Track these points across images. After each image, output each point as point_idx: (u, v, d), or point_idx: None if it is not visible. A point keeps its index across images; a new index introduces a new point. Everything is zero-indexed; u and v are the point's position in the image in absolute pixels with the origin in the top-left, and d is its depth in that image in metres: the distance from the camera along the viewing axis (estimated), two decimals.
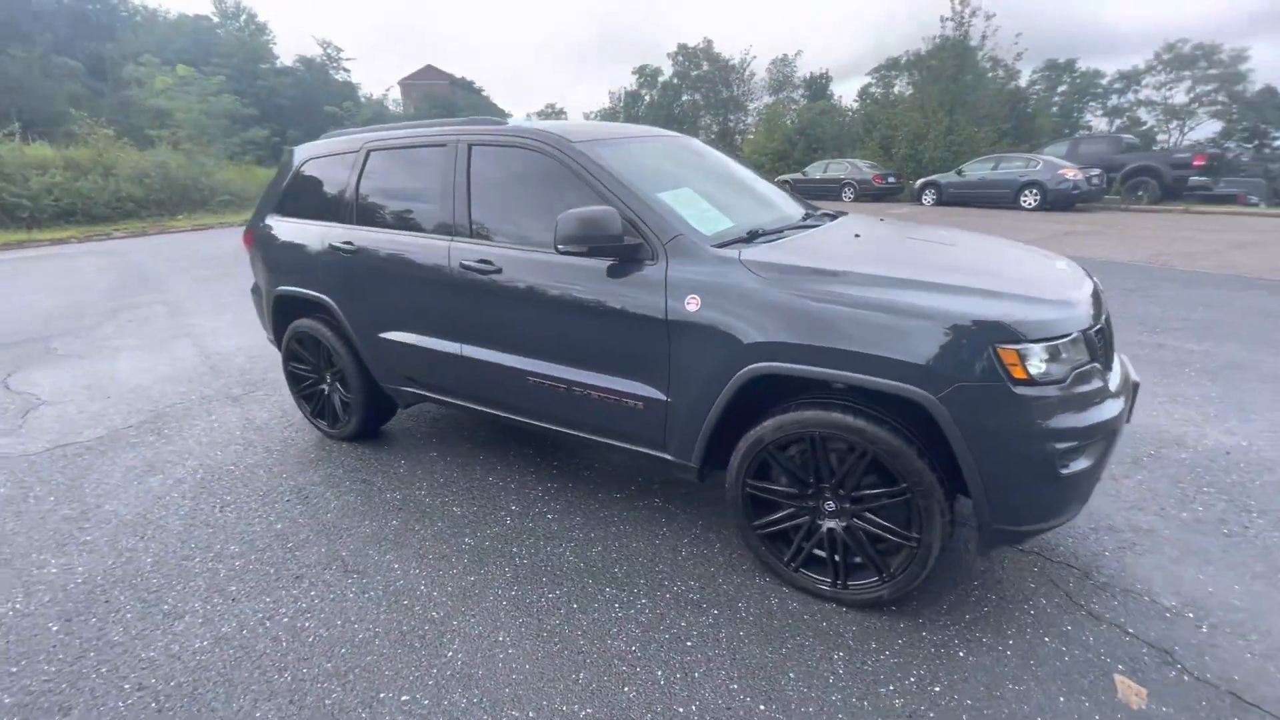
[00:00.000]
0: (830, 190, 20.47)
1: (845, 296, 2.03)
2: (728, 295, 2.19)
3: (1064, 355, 1.89)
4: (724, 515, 2.81)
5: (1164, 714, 1.78)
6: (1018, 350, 1.83)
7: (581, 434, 2.74)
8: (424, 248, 2.96)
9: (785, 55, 42.77)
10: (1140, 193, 15.72)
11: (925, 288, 1.99)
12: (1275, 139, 39.68)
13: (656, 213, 2.41)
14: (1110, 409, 1.98)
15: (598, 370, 2.55)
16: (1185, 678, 1.89)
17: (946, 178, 17.04)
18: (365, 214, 3.23)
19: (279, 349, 3.89)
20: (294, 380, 3.84)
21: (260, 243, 3.76)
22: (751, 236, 2.49)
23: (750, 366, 2.14)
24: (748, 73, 42.59)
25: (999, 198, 15.78)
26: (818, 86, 40.44)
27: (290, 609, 2.31)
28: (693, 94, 45.25)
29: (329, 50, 44.57)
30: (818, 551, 2.26)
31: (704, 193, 2.78)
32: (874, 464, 2.07)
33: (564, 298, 2.54)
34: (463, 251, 2.83)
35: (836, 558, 2.22)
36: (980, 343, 1.85)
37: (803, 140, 27.70)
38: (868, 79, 41.97)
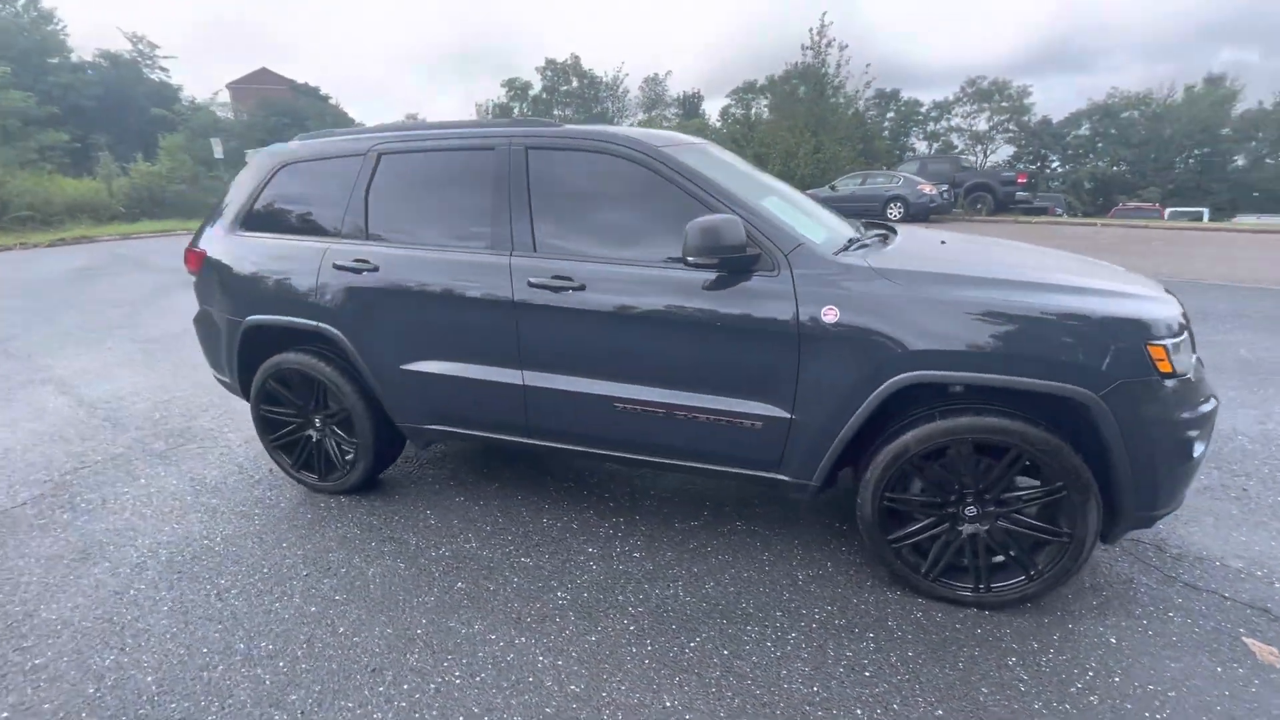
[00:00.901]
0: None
1: (994, 300, 2.04)
2: (868, 304, 2.12)
3: (1184, 348, 2.04)
4: (816, 532, 2.73)
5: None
6: (1164, 345, 1.95)
7: (674, 461, 2.52)
8: (472, 264, 2.58)
9: (656, 74, 44.37)
10: (979, 205, 18.18)
11: (1065, 290, 2.06)
12: (1053, 161, 48.20)
13: (773, 222, 2.29)
14: (1211, 395, 2.18)
15: (706, 391, 2.36)
16: None
17: (822, 192, 18.49)
18: (380, 227, 2.76)
19: (240, 391, 3.22)
20: (267, 427, 3.19)
21: (215, 265, 3.08)
22: (849, 245, 2.46)
23: (900, 376, 2.08)
24: (621, 89, 43.52)
25: (869, 210, 17.40)
26: (691, 105, 42.31)
27: (387, 712, 1.86)
28: (563, 109, 45.38)
29: (140, 46, 38.92)
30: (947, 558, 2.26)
31: (773, 202, 2.70)
32: (1022, 465, 2.11)
33: (668, 314, 2.32)
34: (528, 267, 2.50)
35: (979, 562, 2.22)
36: (1135, 341, 1.94)
37: None
38: (727, 100, 44.82)
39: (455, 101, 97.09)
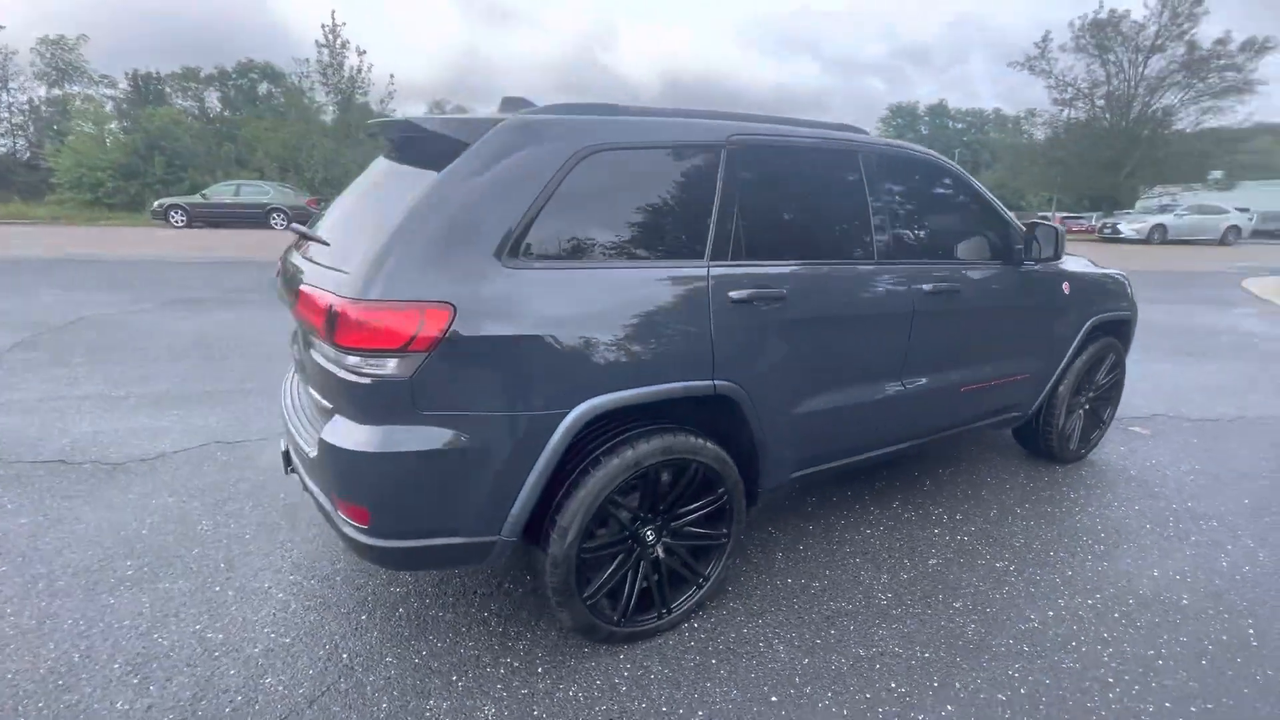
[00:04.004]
0: (250, 216, 17.51)
1: (1097, 272, 3.40)
2: (1064, 278, 3.15)
3: None
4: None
5: (1150, 436, 4.10)
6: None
7: (968, 427, 3.01)
8: (871, 277, 2.36)
9: (63, 36, 30.98)
10: None
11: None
12: None
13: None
14: None
15: (1012, 358, 2.96)
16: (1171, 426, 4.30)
17: None
18: (739, 242, 2.08)
19: (494, 554, 1.81)
20: (583, 575, 1.91)
21: (487, 326, 1.62)
22: None
23: (1092, 320, 3.23)
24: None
25: None
26: (149, 89, 31.63)
27: None
28: None
29: None
30: None
31: None
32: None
33: (1020, 297, 2.89)
34: (916, 274, 2.49)
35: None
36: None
37: (159, 155, 21.65)
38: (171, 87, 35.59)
39: None
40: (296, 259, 2.08)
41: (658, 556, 2.05)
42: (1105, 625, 2.22)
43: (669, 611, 2.09)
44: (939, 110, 63.46)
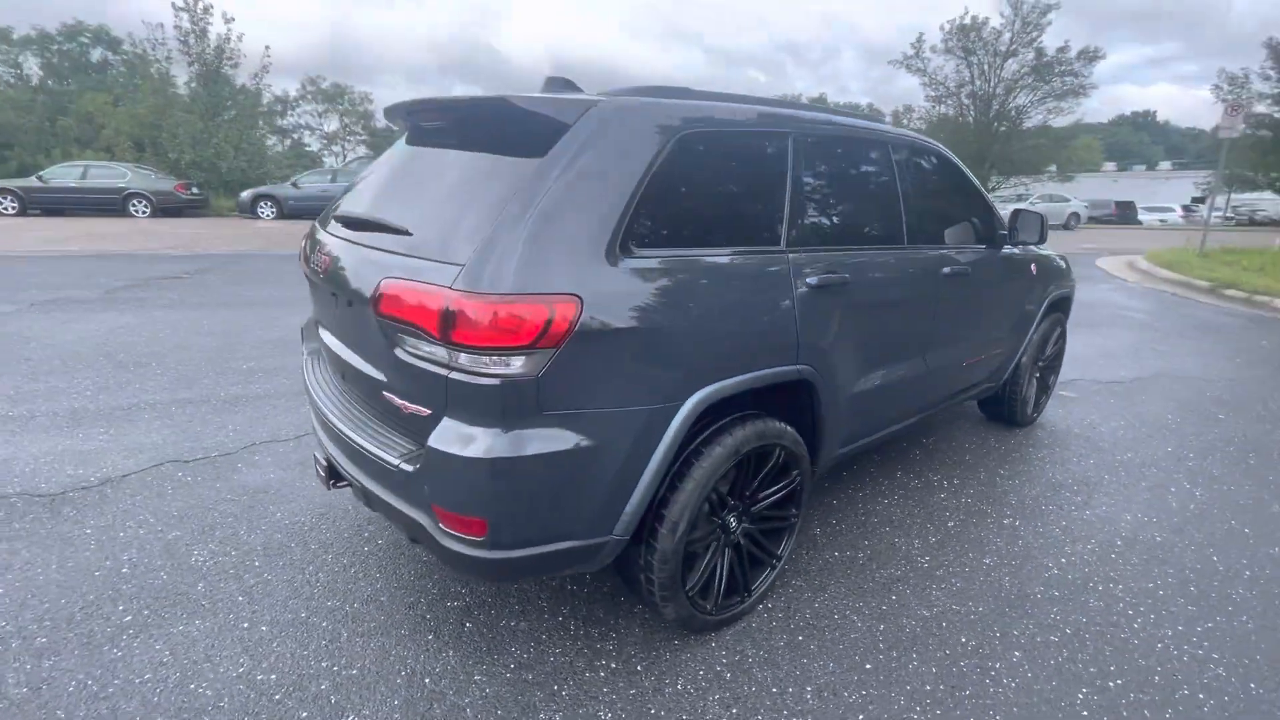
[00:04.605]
0: (101, 203, 15.26)
1: (1050, 254, 3.79)
2: (1031, 260, 3.49)
3: None
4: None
5: (1076, 399, 4.65)
6: None
7: (965, 397, 3.27)
8: (908, 260, 2.50)
9: None
10: None
11: None
12: None
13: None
14: None
15: (996, 333, 3.24)
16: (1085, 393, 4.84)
17: (284, 190, 16.07)
18: (807, 228, 2.13)
19: (605, 555, 1.75)
20: (687, 565, 1.88)
21: (607, 320, 1.53)
22: None
23: (1051, 297, 3.60)
24: None
25: None
26: None
27: None
28: None
29: None
30: None
31: None
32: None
33: (1004, 279, 3.18)
34: (937, 257, 2.66)
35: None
36: None
37: None
38: None
39: None
40: (345, 249, 1.85)
41: (738, 541, 2.07)
42: (1108, 566, 2.51)
43: (750, 594, 2.12)
44: (820, 104, 67.32)
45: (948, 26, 27.42)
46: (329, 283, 1.90)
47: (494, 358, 1.45)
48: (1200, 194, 35.17)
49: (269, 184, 16.96)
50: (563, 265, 1.50)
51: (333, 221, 2.07)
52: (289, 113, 48.01)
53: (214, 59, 19.09)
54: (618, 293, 1.57)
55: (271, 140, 46.33)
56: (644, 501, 1.70)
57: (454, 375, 1.49)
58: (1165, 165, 65.76)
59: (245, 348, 4.95)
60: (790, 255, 2.00)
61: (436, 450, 1.52)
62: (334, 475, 1.99)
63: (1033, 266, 3.46)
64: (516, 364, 1.47)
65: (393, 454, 1.66)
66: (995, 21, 26.82)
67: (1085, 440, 3.77)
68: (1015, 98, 27.50)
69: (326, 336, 2.10)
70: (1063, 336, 4.00)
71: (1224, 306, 8.44)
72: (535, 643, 2.01)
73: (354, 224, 1.89)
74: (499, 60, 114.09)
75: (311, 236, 2.22)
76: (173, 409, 3.72)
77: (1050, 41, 26.49)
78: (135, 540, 2.44)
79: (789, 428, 2.04)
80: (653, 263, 1.66)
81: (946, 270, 2.68)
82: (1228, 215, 29.85)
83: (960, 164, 3.02)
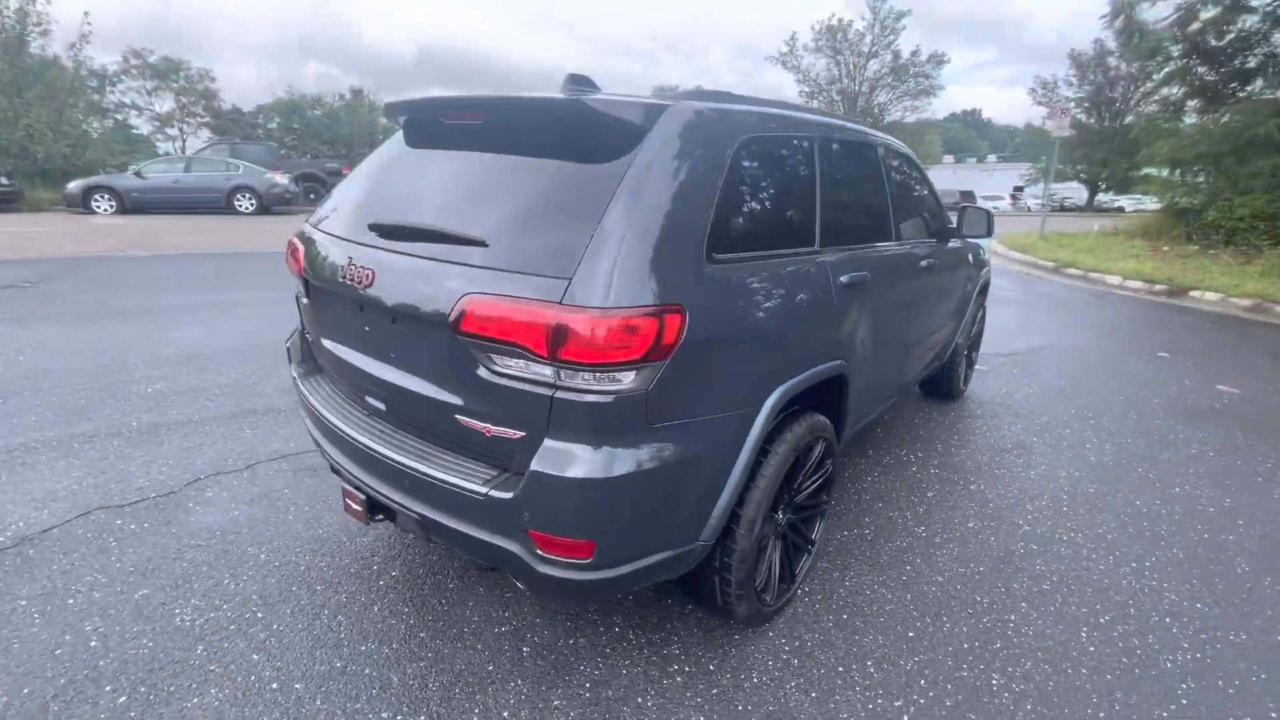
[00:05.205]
0: None
1: (978, 244, 4.22)
2: (970, 249, 3.88)
3: None
4: None
5: (988, 372, 5.23)
6: None
7: (925, 375, 3.58)
8: (902, 255, 2.72)
9: None
10: (313, 196, 18.05)
11: None
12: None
13: None
14: None
15: (948, 316, 3.56)
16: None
17: (125, 180, 13.95)
18: (832, 229, 2.22)
19: (687, 563, 1.75)
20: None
21: (708, 328, 1.52)
22: None
23: (982, 281, 4.02)
24: None
25: (206, 201, 14.67)
26: None
27: None
28: None
29: None
30: None
31: None
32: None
33: (954, 268, 3.45)
34: (916, 251, 2.88)
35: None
36: None
37: None
38: None
39: None
40: (391, 261, 1.66)
41: (785, 532, 2.15)
42: (1064, 518, 2.89)
43: (794, 580, 2.21)
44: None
45: (818, 26, 29.42)
46: (364, 298, 1.71)
47: (605, 374, 1.40)
48: (1022, 183, 40.54)
49: (103, 173, 14.63)
50: (666, 274, 1.47)
51: (354, 229, 1.85)
52: (109, 89, 41.67)
53: (16, 25, 16.02)
54: (711, 299, 1.57)
55: (92, 121, 40.18)
56: (730, 505, 1.72)
57: (560, 394, 1.41)
58: (992, 158, 74.79)
59: (140, 368, 4.29)
60: (824, 256, 2.09)
61: (542, 474, 1.44)
62: (375, 508, 1.81)
63: (970, 256, 3.84)
64: (627, 379, 1.42)
65: (475, 481, 1.54)
66: (859, 24, 29.31)
67: (1006, 408, 4.27)
68: (877, 95, 30.07)
69: (350, 356, 1.89)
70: (984, 317, 4.48)
71: (1068, 284, 9.84)
72: (601, 658, 1.97)
73: (395, 233, 1.71)
74: (358, 41, 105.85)
75: (315, 243, 1.98)
76: (75, 445, 3.16)
77: (905, 45, 29.29)
78: (93, 606, 2.07)
79: (827, 420, 2.15)
80: (732, 267, 1.67)
81: (925, 263, 2.92)
82: (1043, 203, 34.83)
83: (919, 162, 3.29)
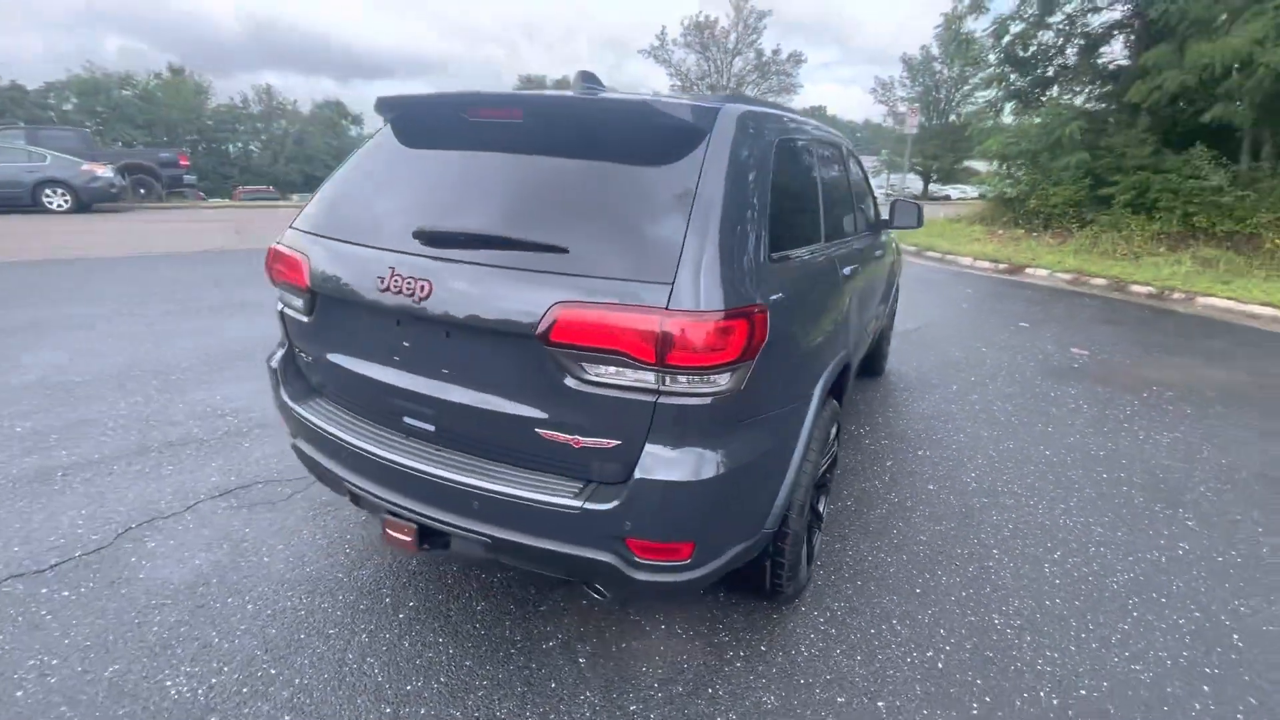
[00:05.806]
0: None
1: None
2: (894, 241, 4.27)
3: None
4: None
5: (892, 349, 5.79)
6: None
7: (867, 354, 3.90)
8: (867, 246, 2.94)
9: None
10: (143, 190, 15.60)
11: None
12: None
13: None
14: None
15: (883, 300, 3.90)
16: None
17: None
18: (829, 224, 2.36)
19: (761, 541, 1.83)
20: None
21: (785, 319, 1.58)
22: None
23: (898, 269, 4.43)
24: None
25: (5, 198, 12.26)
26: None
27: None
28: None
29: None
30: None
31: None
32: None
33: (888, 257, 3.75)
34: (868, 242, 3.12)
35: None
36: None
37: None
38: None
39: None
40: (448, 271, 1.53)
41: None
42: (1000, 473, 3.32)
43: (813, 555, 2.36)
44: (565, 85, 68.74)
45: (686, 21, 30.39)
46: (412, 311, 1.57)
47: (706, 376, 1.42)
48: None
49: None
50: (750, 275, 1.51)
51: (391, 237, 1.67)
52: None
53: None
54: (779, 296, 1.63)
55: None
56: (790, 492, 1.80)
57: (663, 400, 1.41)
58: None
59: None
60: (830, 249, 2.24)
61: (647, 480, 1.43)
62: (426, 536, 1.69)
63: (895, 245, 4.23)
64: (724, 380, 1.45)
65: (564, 495, 1.50)
66: (724, 21, 30.79)
67: (920, 380, 4.77)
68: (744, 90, 31.67)
69: (381, 374, 1.72)
70: (897, 300, 4.96)
71: (930, 265, 11.07)
72: (659, 655, 1.98)
73: (453, 241, 1.57)
74: (169, 14, 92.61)
75: (328, 253, 1.76)
76: None
77: (766, 44, 31.12)
78: (53, 694, 1.73)
79: (838, 403, 2.31)
80: (784, 264, 1.74)
81: (878, 252, 3.19)
82: (887, 193, 39.04)
83: (860, 160, 3.57)
